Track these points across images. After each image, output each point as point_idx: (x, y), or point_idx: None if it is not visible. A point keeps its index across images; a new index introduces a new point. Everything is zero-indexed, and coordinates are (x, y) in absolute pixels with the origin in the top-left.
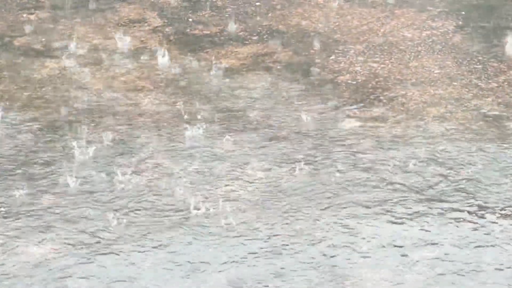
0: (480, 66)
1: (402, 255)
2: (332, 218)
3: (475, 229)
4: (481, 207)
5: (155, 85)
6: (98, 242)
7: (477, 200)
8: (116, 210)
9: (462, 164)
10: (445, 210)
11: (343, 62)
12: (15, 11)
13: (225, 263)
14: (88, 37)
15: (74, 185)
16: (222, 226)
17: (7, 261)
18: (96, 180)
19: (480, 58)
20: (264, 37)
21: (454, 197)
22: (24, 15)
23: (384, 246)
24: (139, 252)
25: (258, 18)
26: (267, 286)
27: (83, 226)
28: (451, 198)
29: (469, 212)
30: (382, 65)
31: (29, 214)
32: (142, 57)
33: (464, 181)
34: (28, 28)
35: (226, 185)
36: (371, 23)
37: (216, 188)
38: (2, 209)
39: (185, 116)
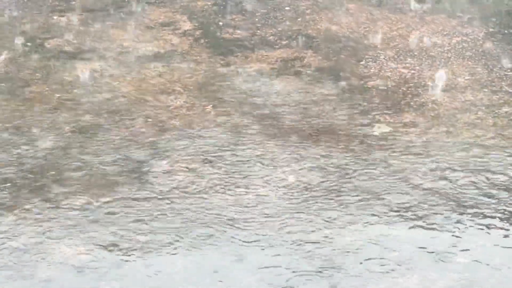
0: (511, 73)
1: (434, 261)
2: (363, 223)
3: (506, 236)
4: None
5: (186, 88)
6: (131, 245)
7: (508, 207)
8: (149, 212)
9: (493, 171)
10: (476, 217)
11: (373, 68)
12: (46, 13)
13: None
14: (119, 39)
15: (107, 188)
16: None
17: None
18: (127, 182)
19: (510, 65)
20: (294, 41)
21: (485, 204)
22: (55, 17)
23: (415, 252)
24: (171, 254)
25: (287, 22)
26: None
27: (116, 228)
28: (482, 205)
29: (500, 219)
30: (412, 71)
31: (61, 216)
32: (172, 60)
33: (495, 187)
34: (59, 30)
35: (259, 188)
36: (401, 29)
37: (247, 192)
38: (35, 209)
39: (216, 119)
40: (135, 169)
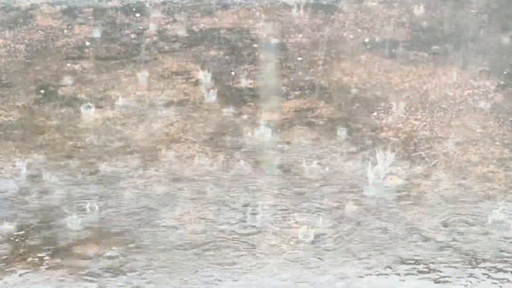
0: None
1: None
2: (375, 275)
3: None
4: None
5: (198, 138)
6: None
7: None
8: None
9: (505, 224)
10: (489, 270)
11: (384, 119)
12: (60, 61)
13: None
14: (131, 88)
15: (118, 235)
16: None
17: None
18: (136, 233)
19: None
20: (306, 92)
21: (497, 257)
22: (69, 65)
23: None
24: None
25: (300, 73)
26: None
27: (126, 278)
28: (494, 258)
29: None
30: (424, 123)
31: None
32: (185, 109)
33: (508, 241)
34: (72, 78)
35: (270, 239)
36: (413, 81)
37: (255, 246)
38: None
39: (229, 170)
40: (147, 218)
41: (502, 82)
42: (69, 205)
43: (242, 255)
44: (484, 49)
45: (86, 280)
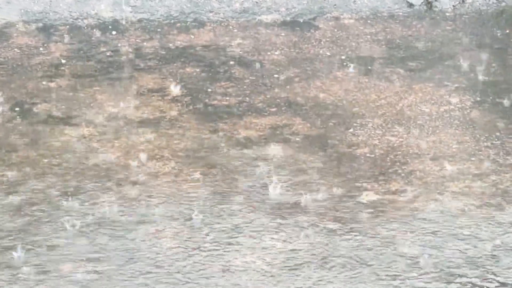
0: (498, 142)
1: None
2: None
3: None
4: (501, 284)
5: (174, 155)
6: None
7: (497, 276)
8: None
9: (481, 240)
10: (464, 285)
11: (361, 135)
12: (35, 79)
13: None
14: (107, 105)
15: (94, 254)
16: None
17: None
18: (110, 257)
19: (498, 134)
20: (282, 108)
21: (473, 273)
22: (44, 83)
23: None
24: None
25: (276, 90)
26: None
27: None
28: (470, 273)
29: None
30: (400, 139)
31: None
32: (161, 126)
33: (483, 257)
34: (48, 96)
35: (241, 255)
36: (389, 97)
37: (235, 258)
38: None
39: (204, 187)
40: (122, 235)
41: (478, 99)
42: (41, 222)
43: (216, 273)
44: (460, 66)
45: None
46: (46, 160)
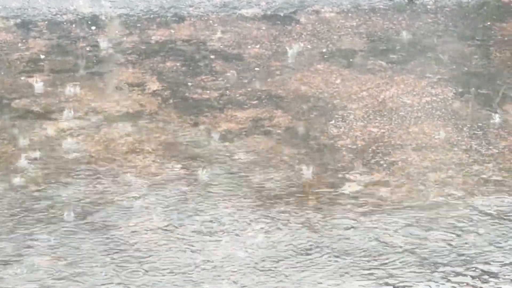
0: (480, 132)
1: None
2: (333, 282)
3: None
4: (484, 272)
5: (154, 148)
6: None
7: (479, 265)
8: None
9: (463, 229)
10: (448, 274)
11: (342, 127)
12: (14, 74)
13: None
14: (87, 100)
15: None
16: None
17: None
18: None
19: (480, 124)
20: (264, 101)
21: (456, 262)
22: (23, 78)
23: None
24: None
25: (257, 83)
26: None
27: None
28: (453, 262)
29: (472, 277)
30: (382, 130)
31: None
32: (141, 120)
33: (466, 245)
34: (26, 91)
35: (222, 247)
36: (370, 89)
37: (213, 248)
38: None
39: (184, 179)
40: (100, 228)
41: (460, 90)
42: (20, 218)
43: (198, 263)
44: (442, 58)
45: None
46: (24, 155)
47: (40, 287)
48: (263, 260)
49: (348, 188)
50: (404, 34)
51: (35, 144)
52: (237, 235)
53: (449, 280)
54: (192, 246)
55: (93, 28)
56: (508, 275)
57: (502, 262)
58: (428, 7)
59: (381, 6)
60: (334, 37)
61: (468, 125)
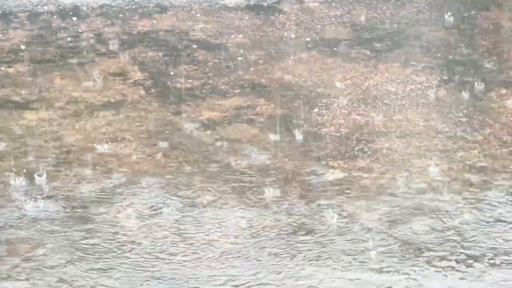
0: (465, 119)
1: None
2: (315, 267)
3: (463, 278)
4: (468, 256)
5: (135, 137)
6: None
7: (464, 250)
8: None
9: (448, 215)
10: (432, 259)
11: (326, 115)
12: None
13: None
14: (68, 90)
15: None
16: None
17: None
18: (71, 231)
19: (465, 111)
20: (246, 90)
21: (441, 247)
22: (3, 68)
23: None
24: None
25: (240, 72)
26: None
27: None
28: (438, 248)
29: (456, 261)
30: (366, 118)
31: None
32: (122, 110)
33: (451, 231)
34: (6, 81)
35: (204, 233)
36: (354, 78)
37: (196, 235)
38: None
39: (166, 168)
40: (82, 216)
41: (444, 77)
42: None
43: (181, 250)
44: (426, 46)
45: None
46: (4, 144)
47: None
48: (246, 246)
49: (332, 175)
50: (388, 23)
51: (14, 134)
52: (219, 221)
53: (433, 265)
54: (174, 232)
55: (74, 19)
56: (493, 259)
57: (486, 246)
58: None
59: None
60: (318, 27)
61: (453, 113)
